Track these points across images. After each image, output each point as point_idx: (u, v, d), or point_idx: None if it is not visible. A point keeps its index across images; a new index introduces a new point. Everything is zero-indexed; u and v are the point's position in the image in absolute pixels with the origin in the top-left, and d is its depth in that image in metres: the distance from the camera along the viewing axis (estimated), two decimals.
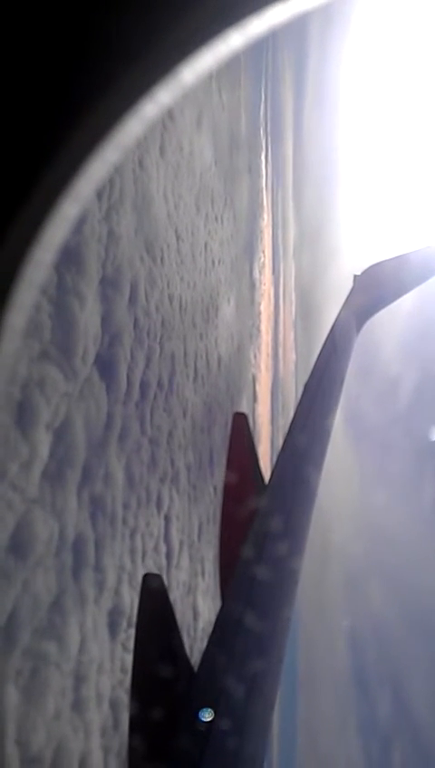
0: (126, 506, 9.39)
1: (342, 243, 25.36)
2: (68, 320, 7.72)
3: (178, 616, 3.16)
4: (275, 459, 4.18)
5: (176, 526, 11.32)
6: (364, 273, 6.77)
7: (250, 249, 20.61)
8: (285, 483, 3.97)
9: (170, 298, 11.74)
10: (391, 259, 6.99)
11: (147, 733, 2.74)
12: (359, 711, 18.17)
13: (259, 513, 3.67)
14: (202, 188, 14.23)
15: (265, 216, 23.55)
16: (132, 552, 9.62)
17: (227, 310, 16.27)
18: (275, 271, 24.84)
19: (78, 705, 7.65)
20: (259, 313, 21.80)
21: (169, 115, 10.76)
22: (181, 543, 11.49)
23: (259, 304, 21.87)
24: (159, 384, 11.05)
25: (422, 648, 16.53)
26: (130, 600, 8.85)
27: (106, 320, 8.83)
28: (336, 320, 5.73)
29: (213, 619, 3.14)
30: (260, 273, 22.07)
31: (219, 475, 12.69)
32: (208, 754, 2.51)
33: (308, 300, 26.84)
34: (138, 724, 2.85)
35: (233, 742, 2.60)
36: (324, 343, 5.27)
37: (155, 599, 3.17)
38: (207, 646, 2.98)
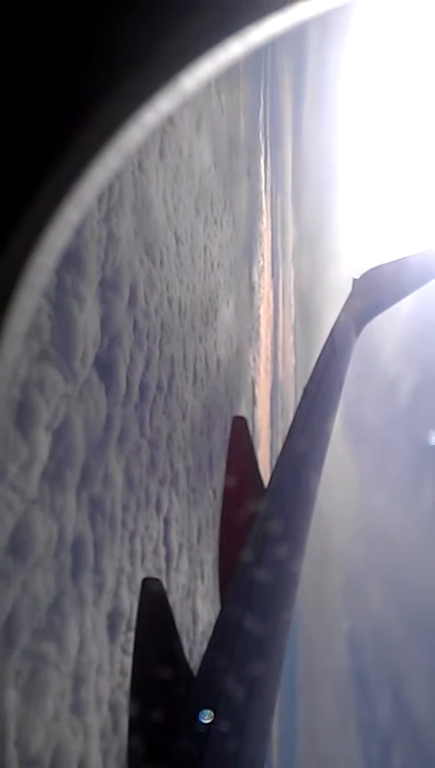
0: (125, 508, 9.39)
1: (341, 246, 25.39)
2: (67, 321, 7.73)
3: (178, 619, 3.16)
4: (274, 463, 4.18)
5: (175, 529, 11.32)
6: (363, 276, 6.77)
7: (249, 252, 20.63)
8: (284, 486, 3.97)
9: (170, 301, 11.76)
10: (390, 263, 6.99)
11: (146, 735, 2.74)
12: (359, 712, 18.13)
13: (259, 516, 3.67)
14: (201, 191, 14.26)
15: (265, 219, 23.58)
16: (131, 554, 9.62)
17: (227, 313, 16.29)
18: (274, 274, 24.86)
19: (77, 707, 7.64)
20: (258, 317, 21.81)
21: (169, 119, 10.79)
22: (180, 546, 11.48)
23: (258, 308, 21.88)
24: (159, 386, 11.06)
25: (422, 649, 16.51)
26: (130, 602, 8.84)
27: (105, 322, 8.85)
28: (335, 323, 5.73)
29: (212, 621, 3.15)
30: (259, 276, 22.09)
31: (219, 478, 12.69)
32: (208, 757, 2.51)
33: (307, 303, 26.86)
34: (137, 727, 2.84)
35: (233, 744, 2.61)
36: (324, 347, 5.28)
37: (154, 602, 3.18)
38: (207, 648, 2.99)
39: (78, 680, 7.71)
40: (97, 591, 8.36)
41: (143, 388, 10.30)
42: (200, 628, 11.45)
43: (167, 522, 10.96)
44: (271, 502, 3.83)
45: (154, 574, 10.20)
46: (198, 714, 2.60)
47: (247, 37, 0.95)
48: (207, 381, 14.05)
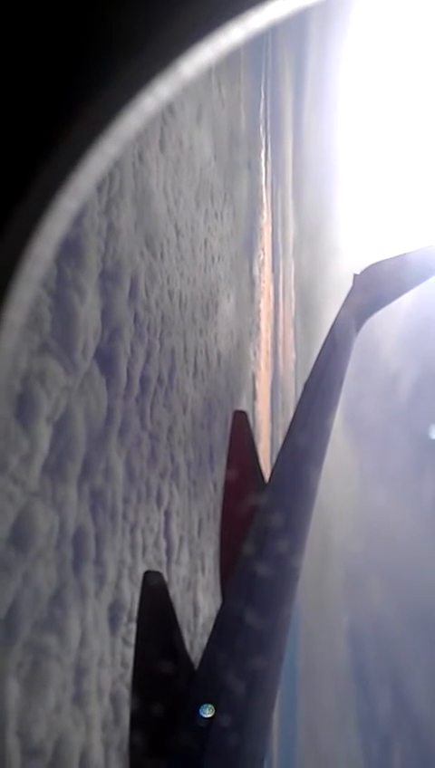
0: (126, 501, 9.38)
1: (341, 241, 25.39)
2: (68, 313, 7.71)
3: (179, 611, 3.16)
4: (274, 457, 4.19)
5: (176, 522, 11.32)
6: (364, 272, 6.77)
7: (250, 246, 20.61)
8: (285, 481, 3.98)
9: (170, 293, 11.74)
10: (390, 258, 7.00)
11: (147, 729, 2.74)
12: (359, 708, 18.18)
13: (259, 510, 3.67)
14: (202, 184, 14.23)
15: (265, 213, 23.56)
16: (132, 546, 9.62)
17: (227, 307, 16.28)
18: (274, 269, 24.86)
19: (79, 699, 7.65)
20: (259, 311, 21.81)
21: (169, 109, 10.76)
22: (181, 539, 11.49)
23: (259, 302, 21.88)
24: (159, 379, 11.05)
25: (422, 645, 16.54)
26: (131, 594, 8.85)
27: (106, 314, 8.83)
28: (336, 319, 5.74)
29: (213, 614, 3.15)
30: (260, 270, 22.09)
31: (219, 471, 12.69)
32: (209, 751, 2.51)
33: (308, 298, 26.86)
34: (138, 721, 2.85)
35: (233, 738, 2.60)
36: (324, 342, 5.28)
37: (156, 596, 3.17)
38: (208, 643, 2.98)
39: (79, 672, 7.71)
40: (98, 583, 8.36)
41: (144, 380, 10.28)
42: (201, 620, 11.47)
43: (167, 514, 10.96)
44: (272, 496, 3.83)
45: (155, 566, 10.20)
46: (198, 708, 2.60)
47: (247, 22, 0.93)
48: (208, 375, 14.05)
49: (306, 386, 4.75)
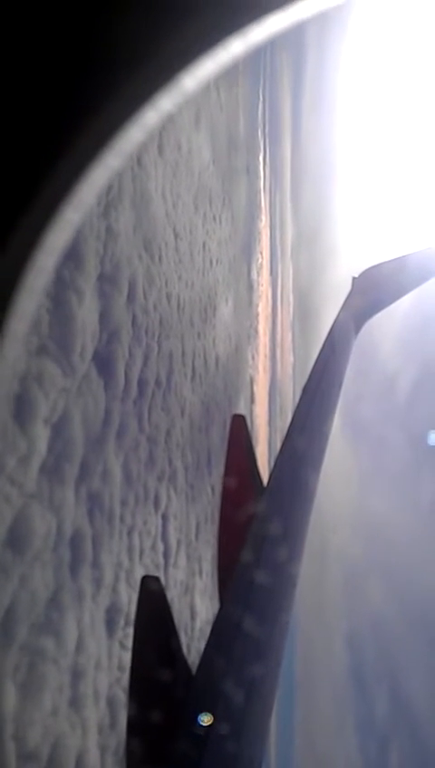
0: (124, 504, 9.37)
1: (340, 244, 25.40)
2: (66, 315, 7.71)
3: (176, 615, 3.15)
4: (272, 461, 4.19)
5: (173, 525, 11.31)
6: (362, 275, 6.79)
7: (248, 250, 20.64)
8: (283, 486, 3.98)
9: (168, 297, 11.74)
10: (389, 261, 7.01)
11: (145, 736, 2.73)
12: (357, 711, 18.14)
13: (258, 515, 3.67)
14: (200, 188, 14.26)
15: (263, 217, 23.59)
16: (130, 549, 9.61)
17: (225, 310, 16.29)
18: (272, 272, 24.88)
19: (75, 702, 7.62)
20: (257, 314, 21.83)
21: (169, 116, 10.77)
22: (179, 543, 11.47)
23: (257, 305, 21.89)
24: (157, 382, 11.05)
25: (421, 648, 16.52)
26: (128, 597, 8.84)
27: (104, 316, 8.83)
28: (334, 322, 5.74)
29: (210, 618, 3.15)
30: (258, 274, 22.11)
31: (217, 475, 12.69)
32: (207, 758, 2.51)
33: (306, 302, 26.89)
34: (136, 728, 2.84)
35: (231, 745, 2.61)
36: (323, 346, 5.29)
37: (153, 601, 3.17)
38: (206, 649, 2.99)
39: (76, 675, 7.69)
40: (95, 586, 8.34)
41: (142, 383, 10.28)
42: (198, 624, 11.45)
43: (165, 518, 10.95)
44: (270, 501, 3.83)
45: (152, 570, 10.19)
46: (196, 715, 2.60)
47: (248, 36, 0.94)
48: (206, 378, 14.05)
49: (305, 389, 4.76)
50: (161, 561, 10.77)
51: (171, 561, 11.13)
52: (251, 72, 20.63)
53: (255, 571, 3.29)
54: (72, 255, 7.98)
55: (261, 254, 22.87)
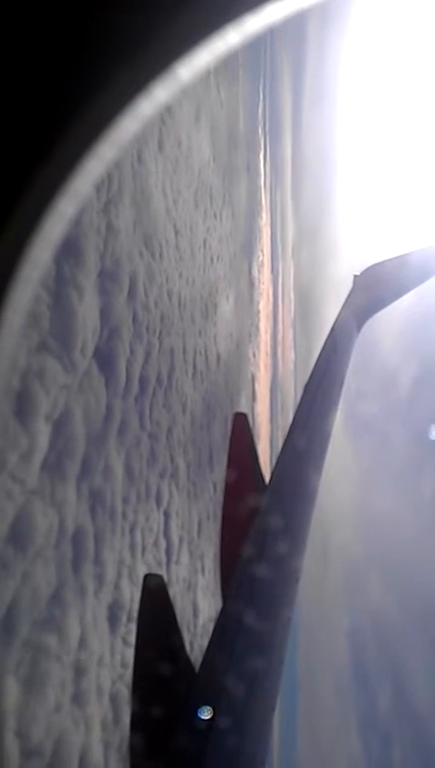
0: (125, 500, 9.37)
1: (341, 242, 25.36)
2: (67, 311, 7.70)
3: (178, 612, 3.16)
4: (274, 458, 4.20)
5: (175, 522, 11.30)
6: (364, 273, 6.80)
7: (249, 248, 20.62)
8: (285, 483, 4.00)
9: (169, 293, 11.73)
10: (390, 259, 7.03)
11: (148, 731, 2.74)
12: (359, 708, 18.15)
13: (260, 513, 3.68)
14: (201, 185, 14.24)
15: (264, 214, 23.57)
16: (132, 546, 9.61)
17: (226, 307, 16.28)
18: (273, 270, 24.85)
19: (78, 699, 7.62)
20: (258, 312, 21.81)
21: (168, 110, 10.76)
22: (181, 539, 11.47)
23: (258, 303, 21.88)
24: (159, 379, 11.04)
25: (423, 645, 16.52)
26: (130, 594, 8.83)
27: (105, 313, 8.82)
28: (336, 320, 5.75)
29: (213, 615, 3.15)
30: (259, 271, 22.09)
31: (219, 472, 12.68)
32: (209, 753, 2.52)
33: (307, 299, 26.86)
34: (139, 723, 2.85)
35: (233, 740, 2.61)
36: (324, 344, 5.30)
37: (156, 599, 3.18)
38: (208, 645, 3.00)
39: (79, 671, 7.69)
40: (98, 583, 8.34)
41: (143, 380, 10.27)
42: (201, 621, 11.45)
43: (167, 514, 10.95)
44: (272, 498, 3.85)
45: (154, 567, 10.19)
46: (199, 710, 2.61)
47: (244, 26, 0.93)
48: (207, 375, 14.04)
49: (307, 388, 4.77)
50: (164, 558, 10.77)
51: (174, 558, 11.13)
52: (251, 68, 20.62)
53: (257, 568, 3.30)
54: (73, 251, 7.97)
55: (262, 251, 22.85)
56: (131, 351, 9.86)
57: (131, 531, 9.60)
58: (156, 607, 3.14)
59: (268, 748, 2.94)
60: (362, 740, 17.76)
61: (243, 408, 17.84)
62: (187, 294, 12.75)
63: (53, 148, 0.91)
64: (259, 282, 22.06)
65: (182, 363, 12.40)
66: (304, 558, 3.64)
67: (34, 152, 0.91)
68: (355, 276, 6.73)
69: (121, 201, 9.35)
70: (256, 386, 20.74)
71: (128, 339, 9.73)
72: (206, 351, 14.08)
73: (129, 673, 7.83)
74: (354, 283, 6.64)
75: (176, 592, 11.01)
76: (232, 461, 4.28)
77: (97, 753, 7.74)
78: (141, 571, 9.43)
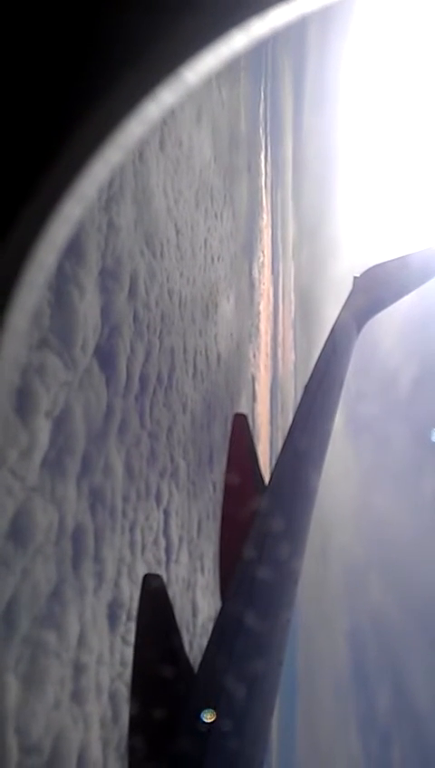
0: (125, 499, 9.37)
1: (341, 243, 25.37)
2: (68, 309, 7.71)
3: (178, 612, 3.16)
4: (274, 459, 4.21)
5: (175, 521, 11.30)
6: (364, 274, 6.80)
7: (249, 248, 20.62)
8: (285, 484, 4.01)
9: (170, 293, 11.74)
10: (391, 260, 7.03)
11: (147, 733, 2.74)
12: (359, 709, 18.13)
13: (259, 513, 3.69)
14: (202, 185, 14.25)
15: (265, 215, 23.57)
16: (132, 544, 9.60)
17: (227, 307, 16.28)
18: (274, 270, 24.85)
19: (77, 696, 7.62)
20: (258, 313, 21.81)
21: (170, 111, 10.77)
22: (181, 539, 11.46)
23: (258, 304, 21.87)
24: (159, 378, 11.04)
25: (422, 645, 16.51)
26: (130, 592, 8.83)
27: (106, 311, 8.82)
28: (336, 321, 5.76)
29: (212, 615, 3.15)
30: (259, 272, 22.09)
31: (218, 472, 12.68)
32: (209, 755, 2.52)
33: (307, 300, 26.85)
34: (138, 724, 2.85)
35: (233, 742, 2.62)
36: (324, 345, 5.30)
37: (155, 600, 3.18)
38: (208, 646, 3.00)
39: (78, 669, 7.68)
40: (97, 581, 8.33)
41: (143, 379, 10.27)
42: (200, 620, 11.44)
43: (167, 513, 10.94)
44: (272, 499, 3.85)
45: (154, 565, 10.19)
46: (198, 712, 2.61)
47: (250, 30, 0.94)
48: (208, 375, 14.04)
49: (307, 389, 4.77)
50: (163, 557, 10.77)
51: (173, 557, 11.12)
52: (253, 70, 20.64)
53: (256, 568, 3.30)
54: (74, 250, 7.97)
55: (262, 251, 22.85)
56: (132, 350, 9.86)
57: (131, 529, 9.60)
58: (155, 607, 3.14)
59: (267, 748, 2.94)
60: (362, 740, 17.75)
61: (243, 408, 17.83)
62: (187, 294, 12.75)
63: (59, 152, 0.92)
64: (260, 282, 22.07)
65: (183, 363, 12.40)
66: (304, 558, 3.64)
67: (40, 155, 0.91)
68: (355, 277, 6.74)
69: (123, 199, 9.36)
70: (257, 386, 20.74)
71: (128, 337, 9.73)
72: (206, 351, 14.08)
73: (128, 671, 7.81)
74: (354, 285, 6.65)
75: (175, 592, 11.00)
76: (232, 461, 4.28)
77: (96, 750, 7.74)
78: (141, 570, 9.43)
